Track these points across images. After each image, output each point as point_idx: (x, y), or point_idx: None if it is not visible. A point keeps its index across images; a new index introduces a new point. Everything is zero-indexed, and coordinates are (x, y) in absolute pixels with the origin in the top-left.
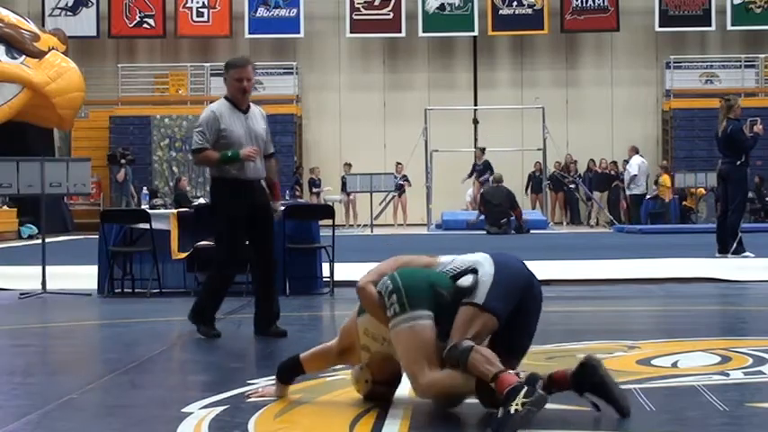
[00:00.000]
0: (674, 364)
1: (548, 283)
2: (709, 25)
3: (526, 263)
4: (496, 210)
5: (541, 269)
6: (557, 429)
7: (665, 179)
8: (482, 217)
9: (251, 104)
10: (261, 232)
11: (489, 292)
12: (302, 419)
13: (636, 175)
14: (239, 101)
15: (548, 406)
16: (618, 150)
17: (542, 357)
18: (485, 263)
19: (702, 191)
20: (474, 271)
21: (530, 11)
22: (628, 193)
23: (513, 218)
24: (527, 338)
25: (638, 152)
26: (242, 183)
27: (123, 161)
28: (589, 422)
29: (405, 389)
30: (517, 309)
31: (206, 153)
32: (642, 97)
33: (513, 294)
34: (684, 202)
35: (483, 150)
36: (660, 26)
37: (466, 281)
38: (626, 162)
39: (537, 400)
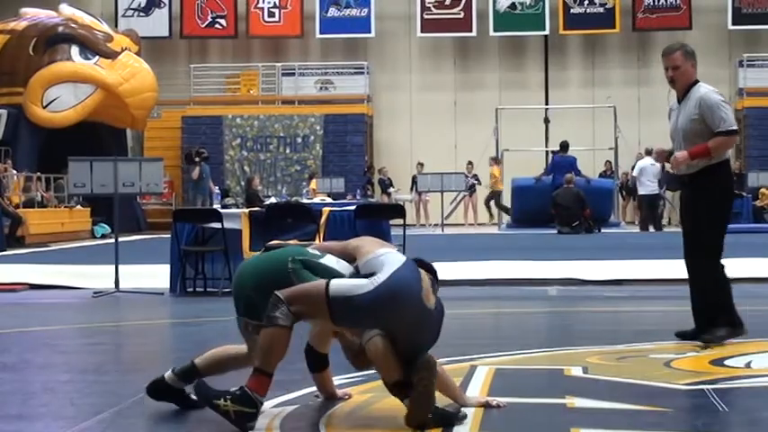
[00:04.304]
0: (748, 365)
1: (619, 282)
2: None
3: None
4: (567, 212)
5: (612, 269)
6: (623, 429)
7: (495, 170)
8: (548, 177)
9: (693, 91)
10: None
11: (346, 297)
12: (373, 419)
13: (636, 177)
14: (676, 92)
15: (612, 404)
16: None
17: (614, 358)
18: (383, 273)
19: None
20: (371, 275)
21: (601, 9)
22: (638, 193)
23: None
24: (413, 350)
25: (649, 154)
26: (679, 178)
27: (198, 159)
28: (659, 422)
29: (475, 389)
30: (396, 326)
31: None
32: None
33: (370, 317)
34: (756, 202)
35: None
36: (733, 24)
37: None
38: None
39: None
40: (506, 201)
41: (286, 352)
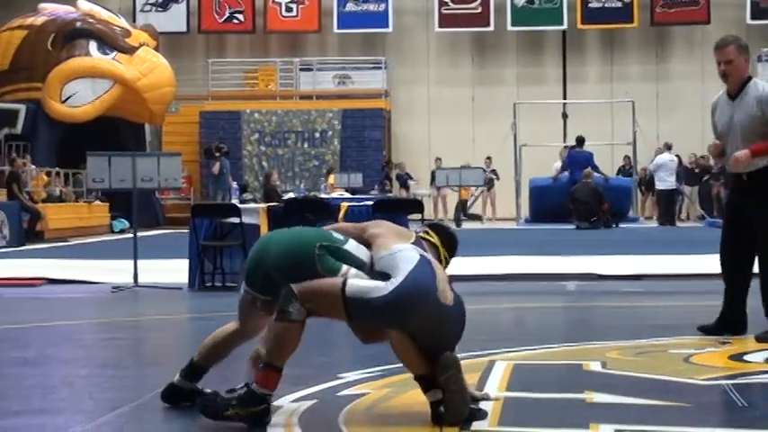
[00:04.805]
0: (767, 360)
1: (638, 277)
2: None
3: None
4: (585, 206)
5: (631, 264)
6: (642, 424)
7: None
8: (565, 173)
9: (750, 87)
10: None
11: (363, 299)
12: (392, 414)
13: (653, 172)
14: (728, 87)
15: (631, 400)
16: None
17: (632, 353)
18: (399, 276)
19: None
20: (386, 276)
21: (619, 4)
22: (656, 188)
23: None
24: (438, 349)
25: (669, 149)
26: (733, 176)
27: (218, 154)
28: (678, 417)
29: (493, 385)
30: (414, 327)
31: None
32: None
33: (385, 318)
34: None
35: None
36: (752, 18)
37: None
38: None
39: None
40: (524, 200)
41: (297, 346)
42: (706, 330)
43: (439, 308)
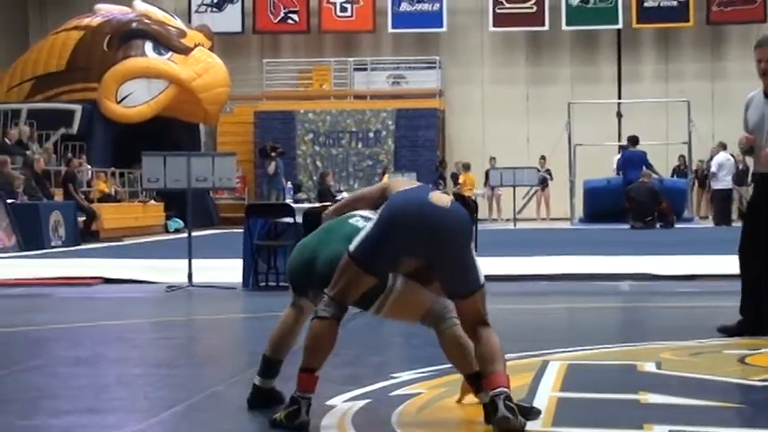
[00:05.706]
0: None
1: (692, 278)
2: None
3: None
4: (640, 206)
5: (686, 264)
6: (696, 425)
7: (463, 178)
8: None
9: None
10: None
11: (361, 242)
12: (446, 414)
13: (714, 172)
14: (765, 85)
15: (685, 400)
16: None
17: (687, 353)
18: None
19: None
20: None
21: (675, 3)
22: (712, 187)
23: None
24: (450, 276)
25: (725, 148)
26: (759, 176)
27: (273, 154)
28: (733, 418)
29: (547, 385)
30: (422, 247)
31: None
32: None
33: (391, 243)
34: None
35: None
36: None
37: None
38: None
39: (296, 423)
40: (578, 200)
41: (333, 346)
42: (727, 331)
43: (431, 210)
